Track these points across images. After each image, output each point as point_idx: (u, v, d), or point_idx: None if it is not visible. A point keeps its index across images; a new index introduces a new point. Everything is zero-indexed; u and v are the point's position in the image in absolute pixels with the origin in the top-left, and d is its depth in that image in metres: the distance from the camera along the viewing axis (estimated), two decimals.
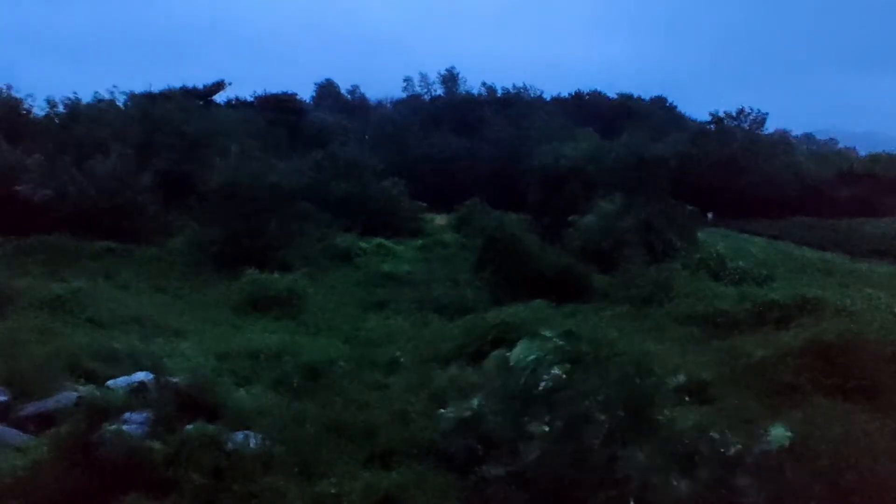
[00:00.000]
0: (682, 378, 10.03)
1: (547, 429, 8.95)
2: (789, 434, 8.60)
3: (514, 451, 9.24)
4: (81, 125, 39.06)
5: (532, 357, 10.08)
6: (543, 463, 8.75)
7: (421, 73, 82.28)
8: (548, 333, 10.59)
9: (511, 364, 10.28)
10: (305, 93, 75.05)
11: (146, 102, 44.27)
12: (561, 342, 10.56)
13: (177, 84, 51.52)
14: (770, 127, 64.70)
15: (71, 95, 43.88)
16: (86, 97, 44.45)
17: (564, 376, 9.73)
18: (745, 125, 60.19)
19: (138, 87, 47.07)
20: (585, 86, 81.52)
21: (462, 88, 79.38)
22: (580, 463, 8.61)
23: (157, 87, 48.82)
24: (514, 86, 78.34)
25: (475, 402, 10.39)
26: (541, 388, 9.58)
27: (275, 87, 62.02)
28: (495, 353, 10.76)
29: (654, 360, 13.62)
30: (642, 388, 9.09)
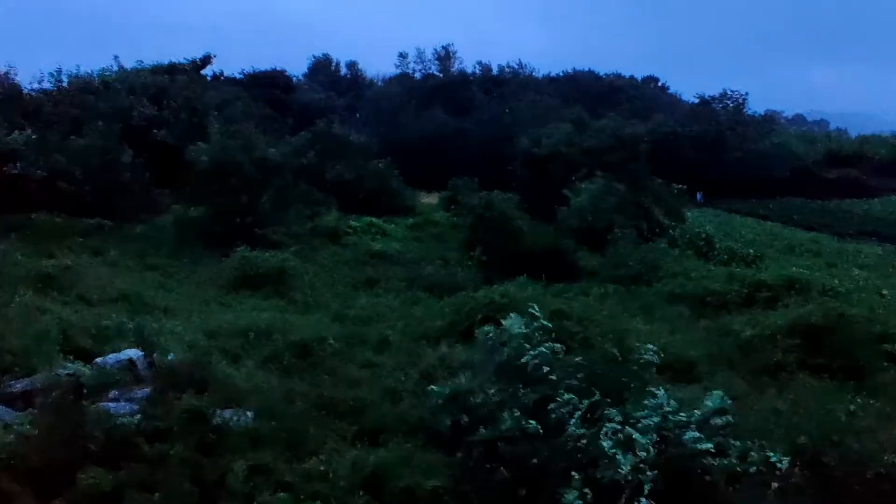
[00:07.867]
0: (653, 355, 9.99)
1: (533, 394, 9.01)
2: (726, 399, 8.68)
3: (494, 423, 9.28)
4: (69, 102, 38.44)
5: (522, 332, 10.09)
6: (517, 437, 8.81)
7: (417, 50, 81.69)
8: (536, 311, 10.59)
9: (500, 337, 10.29)
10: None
11: (133, 78, 43.62)
12: (546, 322, 10.59)
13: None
14: (760, 109, 64.73)
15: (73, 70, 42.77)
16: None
17: (552, 354, 9.78)
18: (730, 106, 60.34)
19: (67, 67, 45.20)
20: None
21: (457, 67, 79.15)
22: (551, 441, 8.67)
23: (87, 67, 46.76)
24: (508, 64, 78.36)
25: (468, 375, 10.45)
26: (523, 361, 9.62)
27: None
28: (485, 327, 10.75)
29: (639, 339, 13.67)
30: (620, 369, 9.14)
